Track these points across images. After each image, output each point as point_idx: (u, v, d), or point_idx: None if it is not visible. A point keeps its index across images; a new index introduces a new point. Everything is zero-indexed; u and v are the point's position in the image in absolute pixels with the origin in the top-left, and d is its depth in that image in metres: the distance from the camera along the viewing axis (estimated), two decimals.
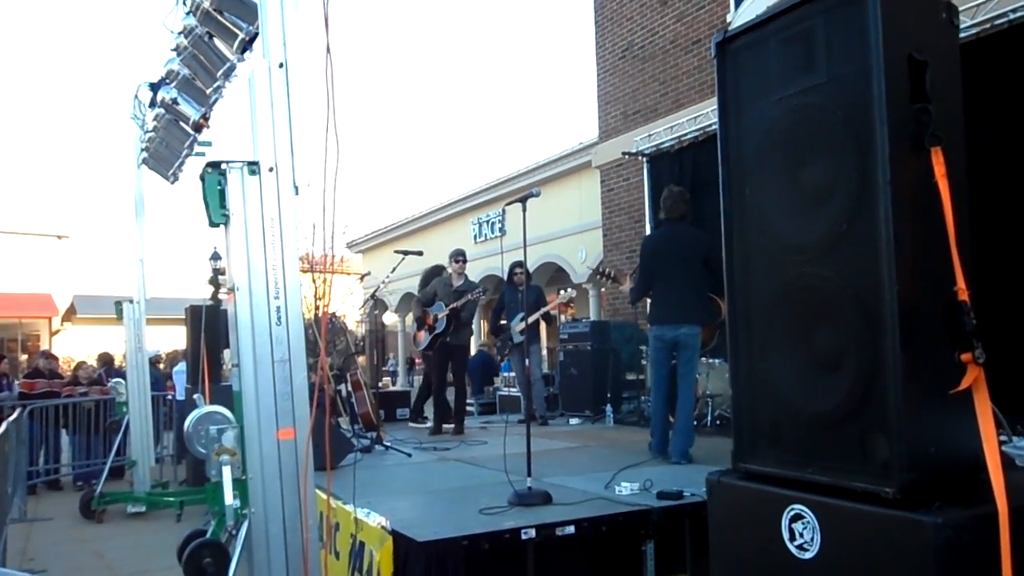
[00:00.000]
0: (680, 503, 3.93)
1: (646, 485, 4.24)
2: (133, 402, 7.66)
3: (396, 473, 5.60)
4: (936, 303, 2.25)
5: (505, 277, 8.66)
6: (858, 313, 2.35)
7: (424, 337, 7.78)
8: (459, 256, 7.94)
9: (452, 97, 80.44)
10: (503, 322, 8.48)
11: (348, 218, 25.90)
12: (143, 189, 7.34)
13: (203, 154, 5.52)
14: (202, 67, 4.47)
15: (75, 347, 23.96)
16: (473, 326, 9.13)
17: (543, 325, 8.66)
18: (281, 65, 3.09)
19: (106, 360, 11.47)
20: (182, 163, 5.97)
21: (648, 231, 9.74)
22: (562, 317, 8.94)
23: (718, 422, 7.51)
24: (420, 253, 7.93)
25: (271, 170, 3.07)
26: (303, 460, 3.03)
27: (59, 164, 53.42)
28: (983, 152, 4.90)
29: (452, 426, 7.70)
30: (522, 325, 8.02)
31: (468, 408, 11.42)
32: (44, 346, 26.79)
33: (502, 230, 18.39)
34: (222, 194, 3.06)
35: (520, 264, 8.50)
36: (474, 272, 19.99)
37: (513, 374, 10.05)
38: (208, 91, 4.67)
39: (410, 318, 8.14)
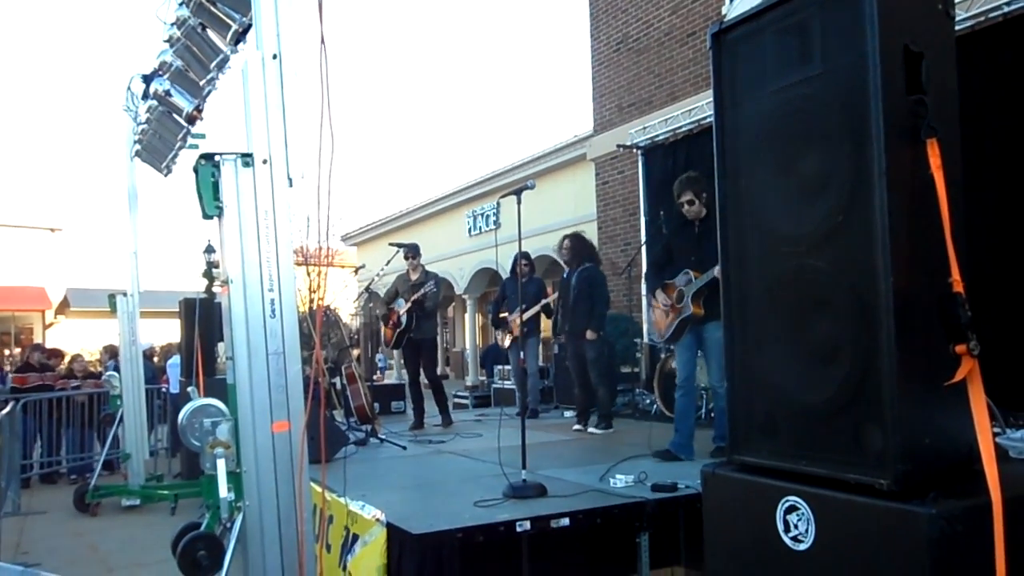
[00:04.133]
0: (674, 495, 3.94)
1: (640, 477, 4.25)
2: (127, 395, 7.64)
3: (391, 466, 5.60)
4: (931, 295, 2.25)
5: (498, 269, 8.58)
6: (853, 305, 2.35)
7: (391, 334, 7.74)
8: (409, 252, 7.85)
9: (447, 89, 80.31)
10: (503, 314, 8.43)
11: (343, 210, 25.69)
12: (136, 182, 7.30)
13: (196, 146, 5.49)
14: (195, 59, 4.44)
15: (69, 340, 23.88)
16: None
17: (543, 318, 8.53)
18: (275, 56, 3.07)
19: (113, 352, 11.46)
20: (175, 155, 5.94)
21: (643, 224, 9.75)
22: None
23: (713, 414, 7.52)
24: (415, 246, 7.91)
25: (265, 162, 3.05)
26: (298, 453, 3.03)
27: (52, 157, 53.30)
28: (979, 144, 4.91)
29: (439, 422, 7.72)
30: (518, 317, 7.89)
31: (463, 401, 11.47)
32: (37, 339, 26.75)
33: (497, 223, 18.36)
34: (216, 186, 3.05)
35: (524, 255, 8.39)
36: (469, 265, 20.09)
37: (509, 367, 10.05)
38: (201, 83, 4.64)
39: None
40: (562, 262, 7.43)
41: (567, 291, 7.16)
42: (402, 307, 7.58)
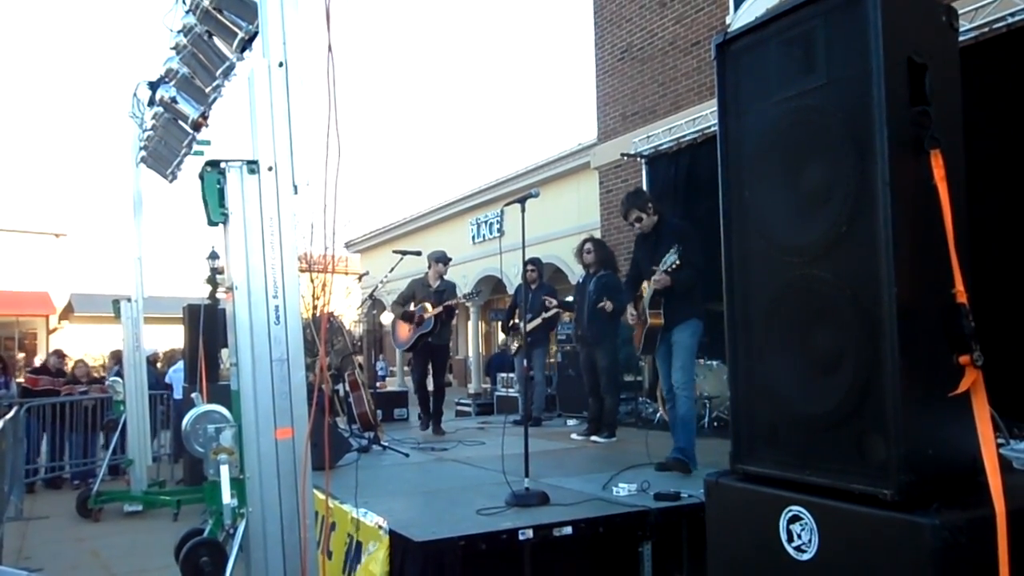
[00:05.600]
0: (677, 504, 3.94)
1: (643, 486, 4.25)
2: (130, 401, 7.65)
3: (394, 473, 5.60)
4: (935, 305, 2.25)
5: (502, 277, 8.57)
6: (857, 315, 2.35)
7: (409, 335, 7.73)
8: (444, 258, 7.92)
9: (451, 97, 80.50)
10: (513, 321, 8.40)
11: (347, 216, 25.67)
12: (141, 188, 7.33)
13: (202, 153, 5.51)
14: (201, 66, 4.46)
15: (72, 345, 23.91)
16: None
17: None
18: (281, 64, 3.09)
19: (119, 358, 11.49)
20: (181, 162, 5.96)
21: None
22: (565, 317, 8.74)
23: (716, 424, 7.52)
24: (418, 253, 7.91)
25: (270, 169, 3.07)
26: (301, 460, 3.03)
27: (57, 162, 53.53)
28: (982, 155, 4.90)
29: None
30: (530, 325, 7.78)
31: (466, 408, 11.47)
32: (41, 344, 26.80)
33: (500, 231, 18.37)
34: (221, 193, 3.06)
35: (531, 261, 8.12)
36: (472, 273, 20.10)
37: (513, 374, 10.06)
38: (207, 90, 4.66)
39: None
40: (582, 265, 7.31)
41: (583, 297, 7.05)
42: (428, 310, 7.56)
